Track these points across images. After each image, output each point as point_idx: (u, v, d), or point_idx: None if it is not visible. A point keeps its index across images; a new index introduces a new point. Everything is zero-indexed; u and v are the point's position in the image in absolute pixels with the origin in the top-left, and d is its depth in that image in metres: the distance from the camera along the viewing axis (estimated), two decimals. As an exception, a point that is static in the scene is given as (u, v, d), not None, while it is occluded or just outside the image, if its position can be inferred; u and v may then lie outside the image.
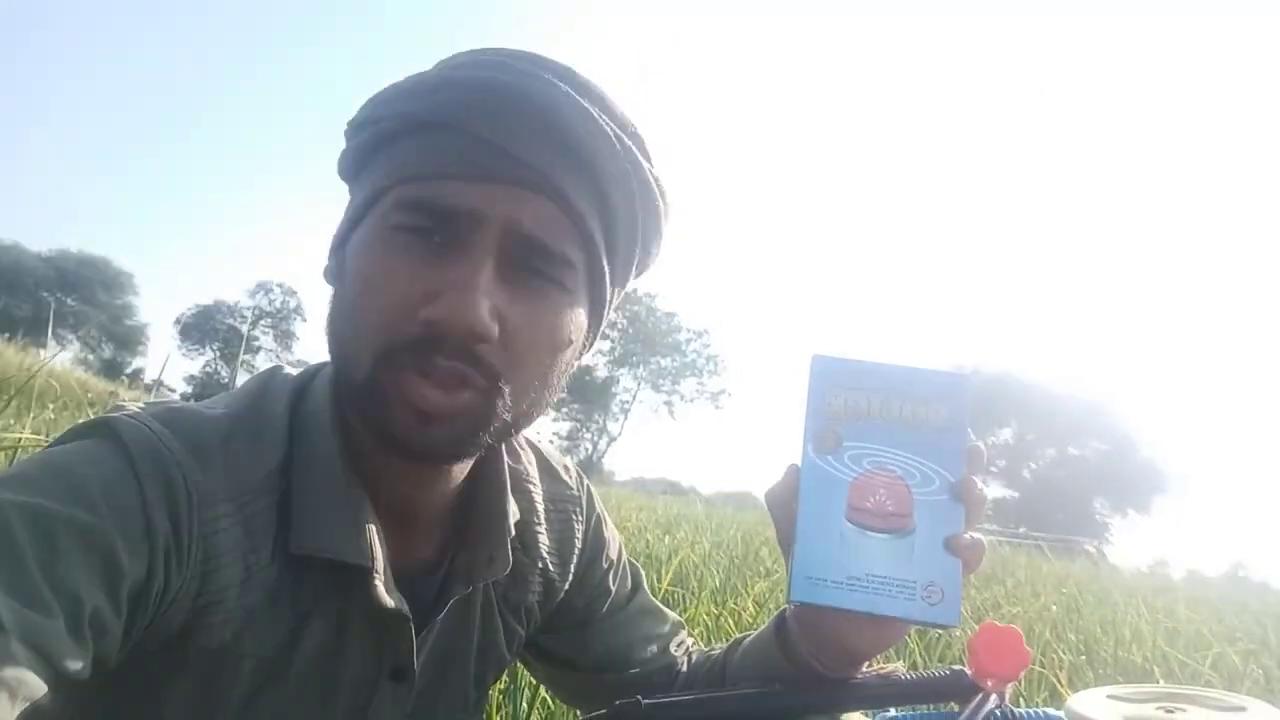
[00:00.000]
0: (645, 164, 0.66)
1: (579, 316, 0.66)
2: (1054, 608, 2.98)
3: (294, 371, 0.72)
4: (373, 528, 0.65)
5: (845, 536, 0.64)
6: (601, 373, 47.46)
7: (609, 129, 0.63)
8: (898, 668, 0.73)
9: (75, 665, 0.50)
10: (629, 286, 0.73)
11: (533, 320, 0.62)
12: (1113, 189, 77.00)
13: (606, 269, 0.67)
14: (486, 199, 0.59)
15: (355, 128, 0.66)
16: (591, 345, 0.72)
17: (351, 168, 0.67)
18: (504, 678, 1.48)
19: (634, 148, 0.65)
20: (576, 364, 0.71)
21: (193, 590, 0.59)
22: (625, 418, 47.62)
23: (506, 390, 0.62)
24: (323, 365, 0.71)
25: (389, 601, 0.65)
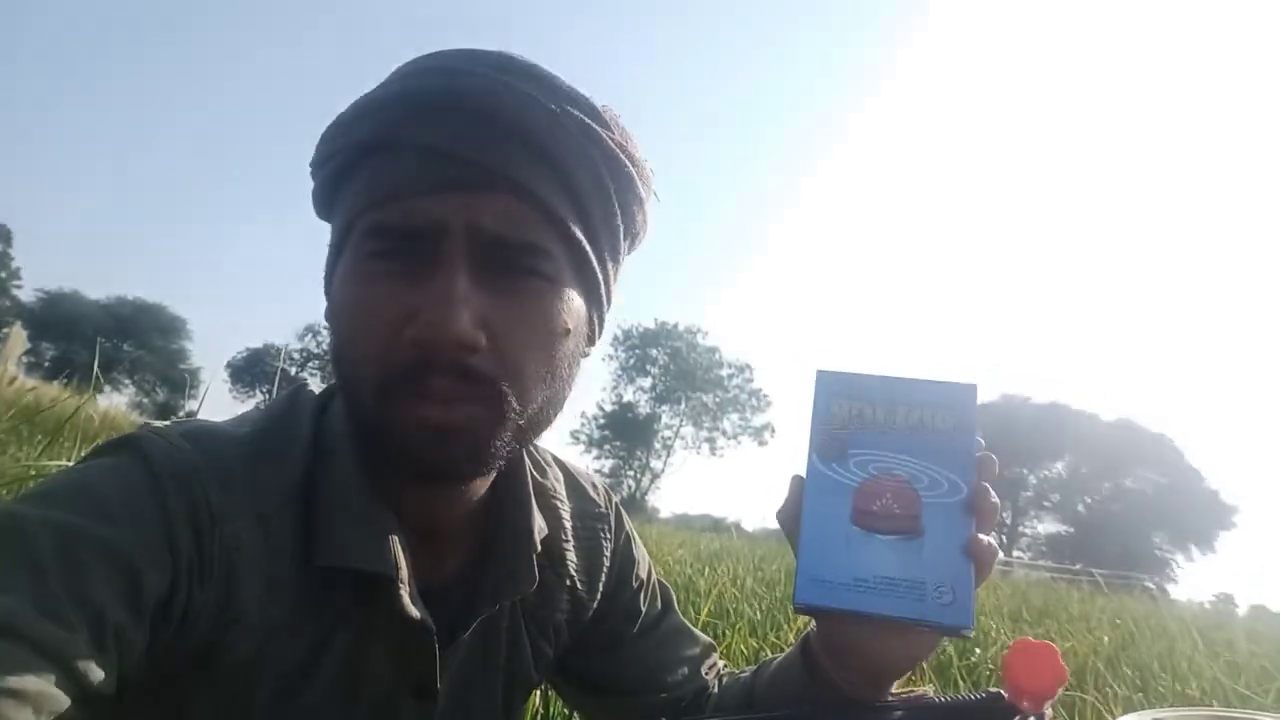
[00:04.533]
0: (605, 133, 0.64)
1: (572, 303, 0.65)
2: (1106, 640, 2.89)
3: (318, 389, 0.73)
4: (396, 538, 0.65)
5: (851, 539, 0.63)
6: (644, 409, 47.47)
7: (554, 108, 0.61)
8: (927, 691, 0.71)
9: (99, 680, 0.50)
10: (625, 258, 0.71)
11: (521, 317, 0.61)
12: (1174, 212, 75.68)
13: (589, 248, 0.65)
14: (444, 209, 0.59)
15: (316, 167, 0.66)
16: (600, 330, 0.71)
17: (324, 207, 0.68)
18: (538, 704, 1.46)
19: (587, 119, 0.63)
20: (589, 351, 0.70)
21: (215, 606, 0.59)
22: (668, 454, 47.47)
23: (510, 394, 0.61)
24: None
25: (414, 612, 0.64)
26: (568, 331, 0.64)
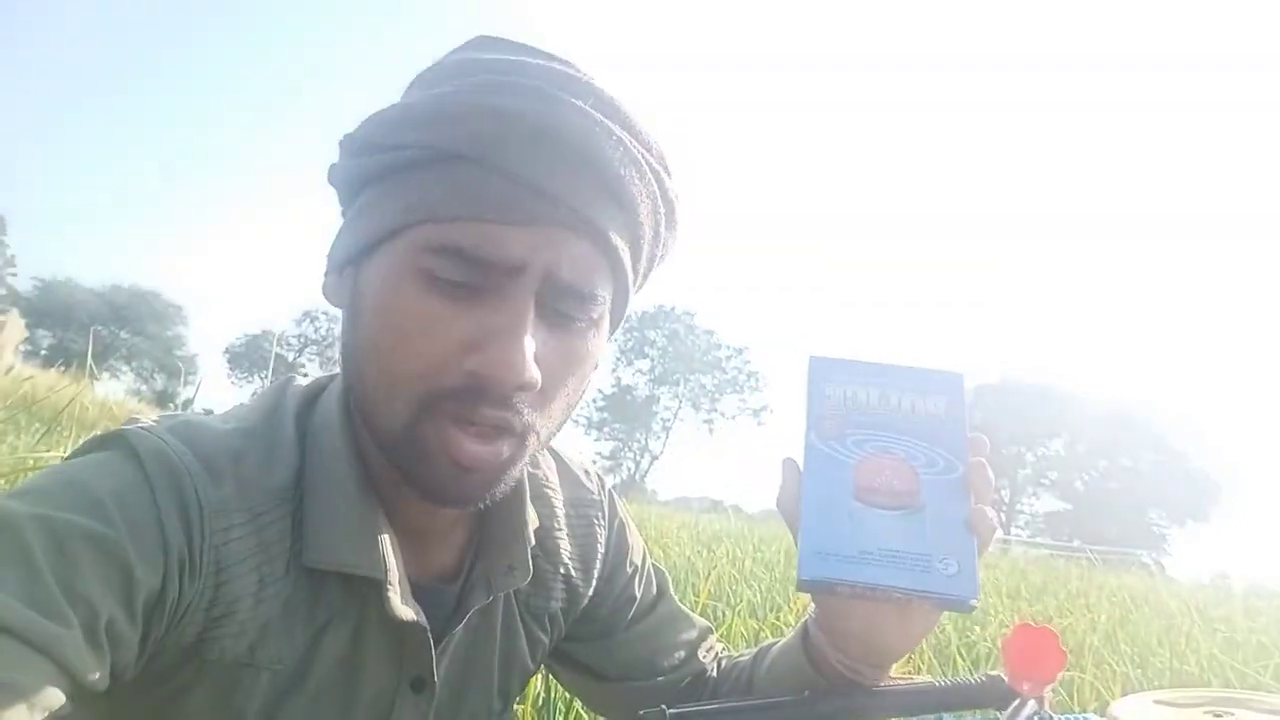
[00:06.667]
0: (668, 182, 0.65)
1: (604, 336, 0.66)
2: (1104, 617, 2.91)
3: (305, 383, 0.72)
4: (386, 539, 0.64)
5: (854, 514, 0.64)
6: (642, 392, 47.55)
7: (639, 155, 0.61)
8: (925, 678, 0.71)
9: (93, 676, 0.50)
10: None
11: (564, 359, 0.61)
12: (1167, 189, 75.59)
13: (631, 290, 0.67)
14: (525, 246, 0.57)
15: (360, 147, 0.63)
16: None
17: (351, 184, 0.64)
18: (539, 691, 1.47)
19: (659, 168, 0.64)
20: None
21: (206, 601, 0.59)
22: (667, 436, 47.59)
23: (539, 430, 0.62)
24: (334, 376, 0.71)
25: (404, 613, 0.64)
26: (596, 366, 0.66)
